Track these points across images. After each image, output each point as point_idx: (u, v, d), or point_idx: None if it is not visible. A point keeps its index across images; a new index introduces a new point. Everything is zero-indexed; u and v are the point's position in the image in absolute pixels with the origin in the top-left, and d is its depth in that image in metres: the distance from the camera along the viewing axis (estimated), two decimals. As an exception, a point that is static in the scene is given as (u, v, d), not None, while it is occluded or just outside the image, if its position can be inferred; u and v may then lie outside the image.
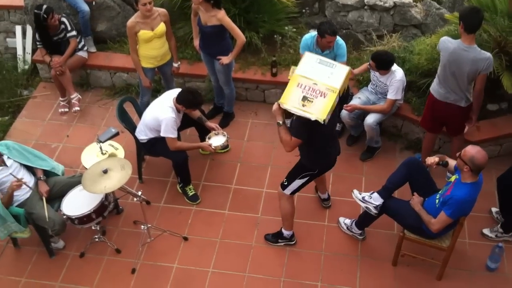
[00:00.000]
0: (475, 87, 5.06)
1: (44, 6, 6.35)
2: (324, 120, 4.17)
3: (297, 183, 4.87)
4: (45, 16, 6.30)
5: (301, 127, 4.38)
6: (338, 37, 5.73)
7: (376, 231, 5.33)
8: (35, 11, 6.36)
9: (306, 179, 4.85)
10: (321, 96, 4.19)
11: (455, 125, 5.42)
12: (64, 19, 6.55)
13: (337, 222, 5.47)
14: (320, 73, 4.26)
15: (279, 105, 4.30)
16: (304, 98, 4.21)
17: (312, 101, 4.19)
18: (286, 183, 4.90)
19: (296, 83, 4.25)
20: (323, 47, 5.68)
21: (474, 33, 4.82)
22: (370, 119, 5.75)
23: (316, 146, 4.61)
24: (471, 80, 5.00)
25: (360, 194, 4.97)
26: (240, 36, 5.75)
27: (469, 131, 5.58)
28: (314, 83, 4.20)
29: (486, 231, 5.32)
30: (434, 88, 5.21)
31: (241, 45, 5.80)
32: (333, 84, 4.20)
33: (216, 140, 5.65)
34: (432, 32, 6.42)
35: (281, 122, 4.44)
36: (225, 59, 5.85)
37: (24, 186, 4.92)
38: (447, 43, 4.95)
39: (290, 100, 4.24)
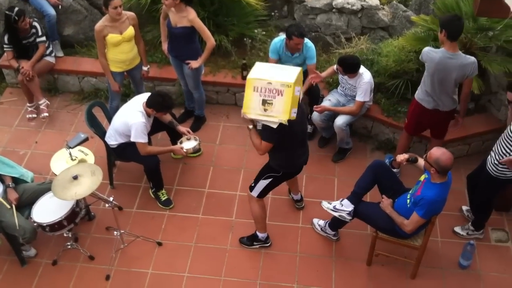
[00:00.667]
0: (463, 91, 5.14)
1: (16, 9, 6.22)
2: (287, 120, 4.18)
3: (261, 184, 4.88)
4: (16, 18, 6.17)
5: (270, 130, 4.38)
6: (307, 40, 5.78)
7: (350, 232, 5.38)
8: (6, 12, 6.24)
9: (269, 180, 4.85)
10: (278, 95, 4.18)
11: (440, 129, 5.50)
12: (36, 24, 6.43)
13: (311, 224, 5.50)
14: (272, 73, 4.28)
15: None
16: (264, 102, 4.20)
17: (271, 103, 4.19)
18: (253, 185, 4.94)
19: (252, 87, 4.24)
20: (292, 50, 5.72)
21: (457, 40, 4.89)
22: (340, 120, 5.81)
23: (285, 148, 4.63)
24: (457, 84, 5.10)
25: (330, 203, 4.99)
26: (210, 39, 5.73)
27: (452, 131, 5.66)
28: (269, 83, 4.19)
29: (457, 229, 5.43)
30: (421, 97, 5.25)
31: (211, 48, 5.78)
32: (286, 79, 4.18)
33: (188, 144, 5.63)
34: (399, 34, 6.53)
35: (250, 126, 4.47)
36: (194, 63, 5.83)
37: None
38: (431, 53, 4.99)
39: (252, 108, 4.25)
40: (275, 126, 4.26)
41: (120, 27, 5.67)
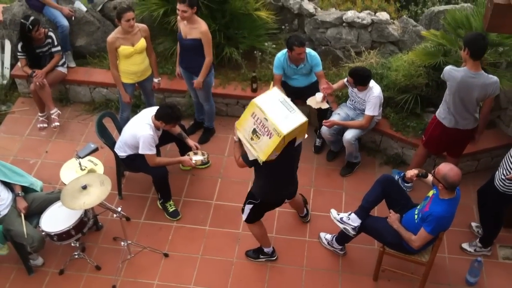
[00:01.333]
0: (483, 109, 5.14)
1: (31, 18, 6.31)
2: (262, 161, 4.16)
3: (246, 208, 4.89)
4: (30, 27, 6.25)
5: (247, 157, 4.42)
6: (309, 49, 5.83)
7: (357, 246, 5.36)
8: (22, 20, 6.33)
9: (251, 206, 4.83)
10: (267, 135, 4.11)
11: (459, 147, 5.49)
12: (51, 34, 6.51)
13: (318, 237, 5.49)
14: (276, 112, 4.13)
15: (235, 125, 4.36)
16: (254, 131, 4.17)
17: (259, 138, 4.14)
18: (243, 207, 4.95)
19: (251, 111, 4.20)
20: (296, 61, 5.76)
21: (480, 59, 4.88)
22: (349, 134, 5.81)
23: (264, 178, 4.62)
24: (479, 103, 5.09)
25: (338, 214, 4.98)
26: (210, 55, 5.77)
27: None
28: (265, 119, 4.10)
29: (465, 245, 5.39)
30: (443, 116, 5.23)
31: (209, 64, 5.81)
32: (281, 127, 4.05)
33: (196, 157, 5.65)
34: (409, 48, 6.53)
35: (236, 139, 4.49)
36: (196, 83, 5.87)
37: (1, 202, 4.86)
38: (453, 72, 4.97)
39: (243, 129, 4.26)
40: (251, 158, 4.27)
41: (132, 39, 5.73)
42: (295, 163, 4.74)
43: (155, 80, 6.20)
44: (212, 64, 5.90)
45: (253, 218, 4.95)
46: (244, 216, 4.94)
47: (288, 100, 4.28)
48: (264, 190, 4.74)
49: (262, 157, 4.16)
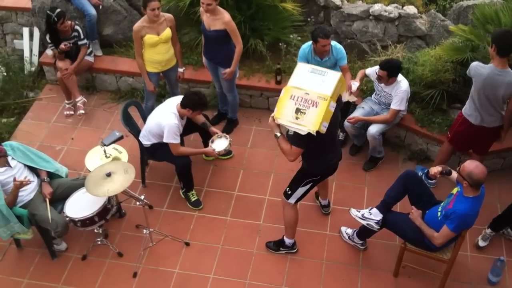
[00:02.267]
0: (509, 107, 5.06)
1: (58, 10, 6.37)
2: (316, 131, 4.18)
3: (300, 190, 4.87)
4: (55, 19, 6.32)
5: (299, 136, 4.38)
6: (334, 42, 5.79)
7: (378, 242, 5.34)
8: (48, 12, 6.40)
9: (309, 185, 4.85)
10: (313, 106, 4.17)
11: (485, 145, 5.43)
12: (78, 27, 6.56)
13: (339, 231, 5.48)
14: (312, 82, 4.25)
15: (273, 118, 4.33)
16: (297, 110, 4.21)
17: (305, 113, 4.19)
18: (289, 192, 4.91)
19: (289, 95, 4.25)
20: (321, 53, 5.72)
21: (508, 56, 4.80)
22: (373, 129, 5.77)
23: (317, 153, 4.63)
24: (505, 101, 5.03)
25: (359, 211, 4.96)
26: (239, 43, 5.78)
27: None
28: (306, 93, 4.19)
29: (481, 242, 5.34)
30: (469, 113, 5.17)
31: (240, 52, 5.82)
32: (324, 91, 4.17)
33: (219, 143, 5.66)
34: (436, 43, 6.45)
35: (278, 134, 4.47)
36: (228, 72, 5.89)
37: (27, 186, 4.96)
38: (479, 68, 4.91)
39: (284, 114, 4.26)
40: (303, 133, 4.26)
41: (158, 28, 5.76)
42: (337, 126, 4.82)
43: (180, 70, 6.22)
44: None
45: (301, 199, 4.95)
46: (294, 199, 4.90)
47: (315, 66, 4.40)
48: (321, 163, 4.74)
49: (313, 128, 4.18)
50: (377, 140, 5.84)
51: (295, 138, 4.43)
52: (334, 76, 4.27)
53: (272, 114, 4.35)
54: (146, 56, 5.92)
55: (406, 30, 6.80)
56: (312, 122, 4.18)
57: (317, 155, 4.65)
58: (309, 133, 4.22)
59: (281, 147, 4.52)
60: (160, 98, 6.50)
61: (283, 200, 4.99)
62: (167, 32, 5.83)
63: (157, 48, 5.86)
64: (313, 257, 5.31)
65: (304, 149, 4.49)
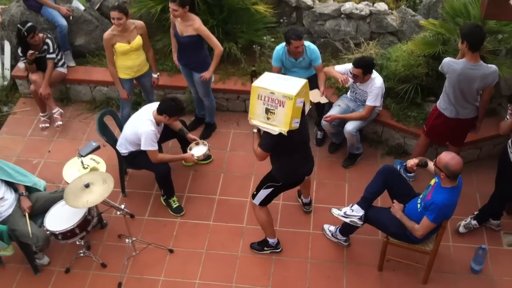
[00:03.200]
0: (483, 97, 5.13)
1: (28, 24, 6.29)
2: (288, 131, 4.26)
3: (263, 193, 4.91)
4: (25, 33, 6.26)
5: (269, 138, 4.47)
6: (308, 43, 5.83)
7: (361, 237, 5.37)
8: (18, 26, 6.33)
9: (270, 190, 4.88)
10: (280, 106, 4.26)
11: (461, 136, 5.50)
12: (48, 40, 6.49)
13: (322, 229, 5.50)
14: (276, 83, 4.35)
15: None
16: (267, 110, 4.31)
17: (274, 113, 4.29)
18: (255, 193, 4.96)
19: (256, 94, 4.35)
20: (294, 55, 5.76)
21: (479, 50, 4.87)
22: (350, 126, 5.81)
23: (283, 157, 4.67)
24: (479, 93, 5.10)
25: (340, 210, 4.98)
26: (217, 46, 5.77)
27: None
28: (271, 92, 4.27)
29: (461, 229, 5.42)
30: (444, 106, 5.23)
31: (219, 55, 5.82)
32: (289, 91, 4.24)
33: (198, 150, 5.66)
34: (408, 38, 6.52)
35: (255, 130, 4.59)
36: (206, 74, 5.88)
37: (4, 203, 4.89)
38: (452, 64, 4.97)
39: (256, 115, 4.38)
40: (275, 133, 4.34)
41: (128, 36, 5.73)
42: (308, 137, 4.84)
43: (154, 75, 6.20)
44: (210, 58, 5.92)
45: (267, 201, 4.97)
46: (258, 201, 4.95)
47: (281, 75, 4.57)
48: (287, 170, 4.77)
49: (284, 127, 4.28)
50: (355, 137, 5.88)
51: (264, 140, 4.52)
52: (299, 81, 4.40)
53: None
54: (118, 62, 5.90)
55: (378, 27, 6.86)
56: (282, 122, 4.28)
57: (283, 160, 4.69)
58: (280, 133, 4.26)
59: (253, 145, 4.67)
60: (136, 105, 6.48)
61: (251, 202, 5.04)
62: (138, 40, 5.80)
63: (128, 55, 5.84)
64: (297, 256, 5.33)
65: (271, 153, 4.59)
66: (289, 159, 4.68)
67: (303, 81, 4.39)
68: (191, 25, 5.64)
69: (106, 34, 5.71)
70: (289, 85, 4.31)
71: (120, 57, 5.84)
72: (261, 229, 5.23)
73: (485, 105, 5.21)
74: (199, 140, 5.75)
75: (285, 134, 4.29)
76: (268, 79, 4.45)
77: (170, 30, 6.03)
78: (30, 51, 6.34)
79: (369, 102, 5.74)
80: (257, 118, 4.38)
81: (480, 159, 6.09)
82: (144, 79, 6.14)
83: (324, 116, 5.90)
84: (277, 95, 4.25)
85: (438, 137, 5.53)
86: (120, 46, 5.71)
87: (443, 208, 4.38)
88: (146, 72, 6.10)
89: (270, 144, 4.50)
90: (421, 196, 4.68)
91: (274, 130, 4.33)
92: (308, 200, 5.67)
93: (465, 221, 5.39)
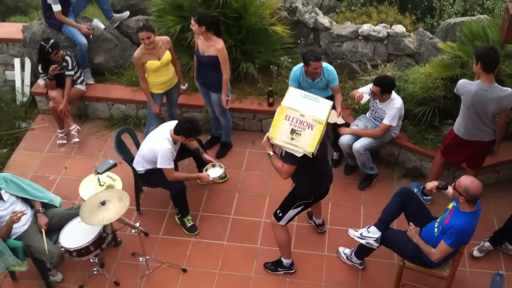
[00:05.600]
0: (499, 121, 5.09)
1: (51, 41, 6.41)
2: (312, 153, 4.23)
3: (291, 212, 4.87)
4: (50, 50, 6.36)
5: (292, 156, 4.42)
6: (326, 63, 5.84)
7: (376, 261, 5.31)
8: (42, 43, 6.44)
9: (301, 208, 4.85)
10: (308, 128, 4.24)
11: (478, 159, 5.44)
12: (67, 58, 6.60)
13: (337, 252, 5.45)
14: (306, 105, 4.33)
15: (268, 137, 4.37)
16: (293, 131, 4.26)
17: (300, 134, 4.25)
18: (280, 214, 4.91)
19: (284, 115, 4.29)
20: (312, 76, 5.77)
21: (494, 72, 4.86)
22: (358, 144, 5.79)
23: (310, 173, 4.63)
24: (495, 116, 5.06)
25: (357, 231, 4.94)
26: (227, 72, 5.84)
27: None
28: (301, 115, 4.25)
29: (475, 253, 5.35)
30: (459, 128, 5.21)
31: (227, 80, 5.88)
32: (319, 115, 4.25)
33: (214, 172, 5.67)
34: (425, 61, 6.50)
35: (271, 153, 4.52)
36: (223, 102, 5.98)
37: (22, 218, 4.91)
38: (467, 86, 4.95)
39: (279, 134, 4.30)
40: (299, 155, 4.30)
41: (158, 53, 5.83)
42: (326, 150, 4.82)
43: (183, 87, 6.39)
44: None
45: (291, 220, 4.95)
46: (284, 221, 4.91)
47: (307, 92, 4.50)
48: (314, 185, 4.76)
49: (310, 149, 4.24)
50: (364, 155, 5.84)
51: (288, 156, 4.46)
52: (327, 104, 4.40)
53: (267, 134, 4.37)
54: (151, 80, 6.01)
55: (396, 49, 6.86)
56: (308, 144, 4.23)
57: (311, 176, 4.66)
58: (304, 155, 4.24)
59: (274, 165, 4.57)
60: (161, 121, 6.48)
61: (273, 222, 4.98)
62: (167, 56, 5.91)
63: (159, 72, 5.95)
64: (311, 278, 5.27)
65: (297, 167, 4.51)
66: (316, 172, 4.67)
67: (330, 104, 4.40)
68: (213, 45, 5.70)
69: (137, 54, 5.82)
70: (319, 108, 4.31)
71: (151, 74, 5.95)
72: (278, 249, 5.20)
73: (501, 128, 5.16)
74: (215, 162, 5.76)
75: (310, 156, 4.27)
76: (296, 97, 4.40)
77: (189, 50, 6.09)
78: (53, 66, 6.43)
79: (385, 121, 5.72)
80: (279, 138, 4.31)
81: (498, 183, 6.02)
82: (173, 91, 6.28)
83: (341, 129, 5.91)
84: (307, 118, 4.25)
85: (454, 155, 5.47)
86: (151, 63, 5.81)
87: (462, 233, 4.32)
88: (175, 84, 6.23)
89: (296, 158, 4.42)
90: (438, 220, 4.63)
91: (298, 151, 4.29)
92: (321, 221, 5.64)
93: (479, 244, 5.32)
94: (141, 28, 5.70)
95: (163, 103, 6.39)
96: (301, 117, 4.25)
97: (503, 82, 5.30)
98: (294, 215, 4.91)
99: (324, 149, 4.68)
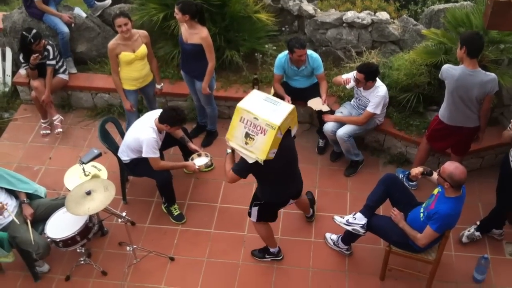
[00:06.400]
0: (483, 106, 5.12)
1: (34, 31, 6.31)
2: (263, 160, 4.15)
3: (254, 210, 4.89)
4: (32, 40, 6.26)
5: (243, 164, 4.39)
6: (310, 51, 5.84)
7: (363, 246, 5.35)
8: (23, 33, 6.34)
9: (257, 207, 4.85)
10: (261, 133, 4.14)
11: (462, 145, 5.47)
12: (49, 47, 6.50)
13: (324, 238, 5.48)
14: (263, 108, 4.21)
15: (226, 139, 4.34)
16: (247, 135, 4.19)
17: (253, 139, 4.16)
18: (249, 210, 4.95)
19: (239, 117, 4.23)
20: (297, 63, 5.78)
21: (477, 57, 4.89)
22: (341, 131, 5.80)
23: (264, 182, 4.64)
24: (480, 101, 5.08)
25: (343, 218, 4.97)
26: (212, 60, 5.78)
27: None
28: (255, 118, 4.15)
29: (464, 239, 5.40)
30: (444, 114, 5.24)
31: (211, 69, 5.82)
32: (273, 120, 4.12)
33: (200, 160, 5.65)
34: (410, 47, 6.53)
35: (229, 150, 4.49)
36: (203, 90, 5.90)
37: (6, 209, 4.86)
38: (450, 70, 4.98)
39: (235, 137, 4.25)
40: (251, 161, 4.25)
41: (133, 45, 5.73)
42: (294, 160, 4.72)
43: (158, 86, 6.24)
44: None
45: (263, 217, 4.93)
46: (254, 218, 4.94)
47: (270, 96, 4.39)
48: (267, 191, 4.74)
49: (261, 156, 4.16)
50: (348, 142, 5.85)
51: (237, 165, 4.43)
52: (286, 108, 4.26)
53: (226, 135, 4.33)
54: (123, 74, 5.89)
55: (380, 36, 6.87)
56: (260, 150, 4.16)
57: (265, 182, 4.66)
58: (256, 161, 4.20)
59: (224, 165, 4.58)
60: (138, 112, 6.44)
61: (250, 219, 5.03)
62: (143, 49, 5.80)
63: (133, 65, 5.83)
64: (299, 265, 5.30)
65: (243, 177, 4.49)
66: (269, 182, 4.63)
67: (290, 108, 4.26)
68: (197, 33, 5.64)
69: (111, 44, 5.71)
70: (275, 113, 4.17)
71: (125, 68, 5.83)
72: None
73: (486, 114, 5.20)
74: (201, 151, 5.74)
75: (261, 163, 4.20)
76: (255, 101, 4.29)
77: (172, 38, 6.04)
78: (34, 55, 6.33)
79: (369, 108, 5.73)
80: (235, 141, 4.27)
81: (482, 168, 6.08)
82: (148, 89, 6.16)
83: (324, 116, 5.91)
84: (260, 122, 4.13)
85: (439, 142, 5.51)
86: (125, 55, 5.70)
87: (447, 218, 4.37)
88: (150, 82, 6.11)
89: (244, 169, 4.41)
90: (424, 205, 4.67)
91: (251, 157, 4.22)
92: (310, 213, 5.65)
93: (469, 231, 5.37)
94: (118, 14, 5.61)
95: (138, 101, 6.31)
96: (254, 120, 4.16)
97: (487, 68, 5.34)
98: (260, 214, 4.88)
99: (290, 158, 4.57)
